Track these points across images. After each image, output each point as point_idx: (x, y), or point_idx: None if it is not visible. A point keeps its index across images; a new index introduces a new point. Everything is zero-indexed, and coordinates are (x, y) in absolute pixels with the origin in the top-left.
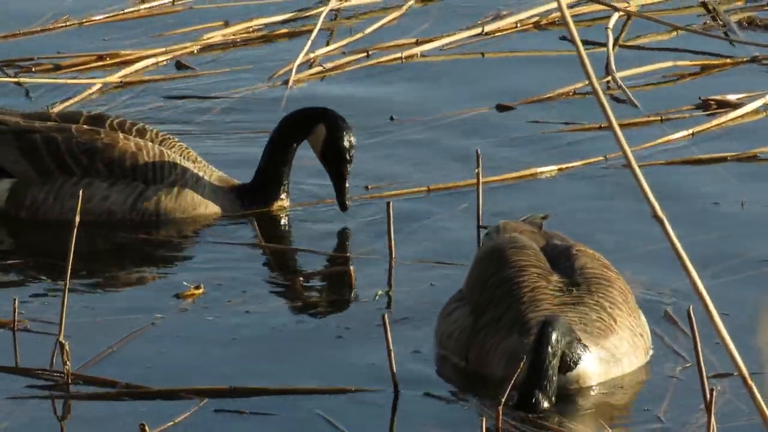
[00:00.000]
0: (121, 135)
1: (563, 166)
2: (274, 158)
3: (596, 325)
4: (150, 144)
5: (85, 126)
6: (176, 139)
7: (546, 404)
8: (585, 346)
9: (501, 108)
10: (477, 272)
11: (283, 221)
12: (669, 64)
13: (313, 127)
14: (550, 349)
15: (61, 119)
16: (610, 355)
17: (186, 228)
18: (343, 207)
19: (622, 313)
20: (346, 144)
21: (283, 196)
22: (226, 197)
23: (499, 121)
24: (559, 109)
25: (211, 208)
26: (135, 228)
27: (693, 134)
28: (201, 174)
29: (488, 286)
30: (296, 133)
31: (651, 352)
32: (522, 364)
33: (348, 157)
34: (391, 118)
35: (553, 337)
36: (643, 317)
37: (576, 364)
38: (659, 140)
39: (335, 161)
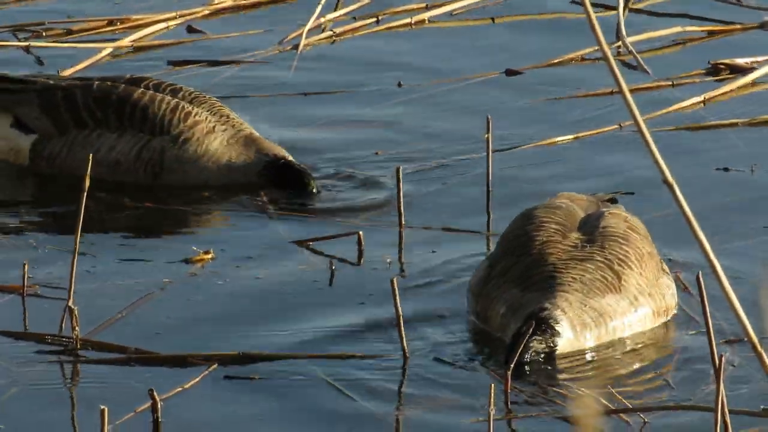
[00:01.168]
0: (139, 89)
1: (580, 134)
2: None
3: (596, 284)
4: (168, 98)
5: (108, 82)
6: (212, 98)
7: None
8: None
9: (510, 73)
10: (505, 230)
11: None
12: (678, 29)
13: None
14: (525, 346)
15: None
16: (597, 314)
17: (196, 193)
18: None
19: (631, 272)
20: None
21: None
22: (239, 157)
23: (509, 86)
24: (570, 75)
25: (214, 163)
26: (146, 192)
27: (705, 100)
28: (220, 129)
29: (507, 241)
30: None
31: (669, 314)
32: (531, 329)
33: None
34: (399, 84)
35: (532, 338)
36: (666, 280)
37: (552, 348)
38: (673, 107)
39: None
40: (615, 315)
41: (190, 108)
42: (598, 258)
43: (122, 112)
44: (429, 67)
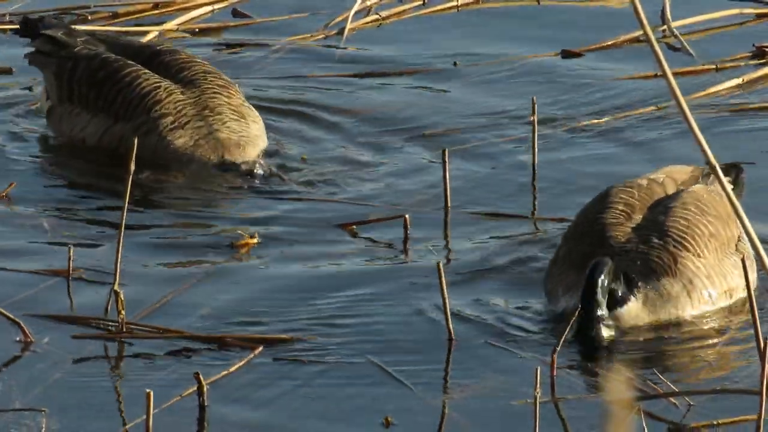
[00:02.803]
0: (129, 68)
1: (618, 115)
2: None
3: (650, 265)
4: (152, 80)
5: (114, 56)
6: (219, 83)
7: (605, 333)
8: (634, 283)
9: (566, 54)
10: (582, 208)
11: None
12: (726, 13)
13: None
14: (597, 287)
15: (137, 51)
16: (658, 294)
17: (237, 178)
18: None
19: (688, 254)
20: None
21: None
22: (203, 156)
23: (560, 68)
24: (621, 56)
25: (176, 163)
26: (189, 177)
27: (743, 82)
28: (192, 126)
29: (577, 221)
30: None
31: (735, 296)
32: (572, 320)
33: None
34: (455, 64)
35: (599, 277)
36: (732, 260)
37: (623, 299)
38: (710, 90)
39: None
40: (670, 298)
41: (164, 95)
42: (655, 241)
43: (101, 92)
44: (481, 49)
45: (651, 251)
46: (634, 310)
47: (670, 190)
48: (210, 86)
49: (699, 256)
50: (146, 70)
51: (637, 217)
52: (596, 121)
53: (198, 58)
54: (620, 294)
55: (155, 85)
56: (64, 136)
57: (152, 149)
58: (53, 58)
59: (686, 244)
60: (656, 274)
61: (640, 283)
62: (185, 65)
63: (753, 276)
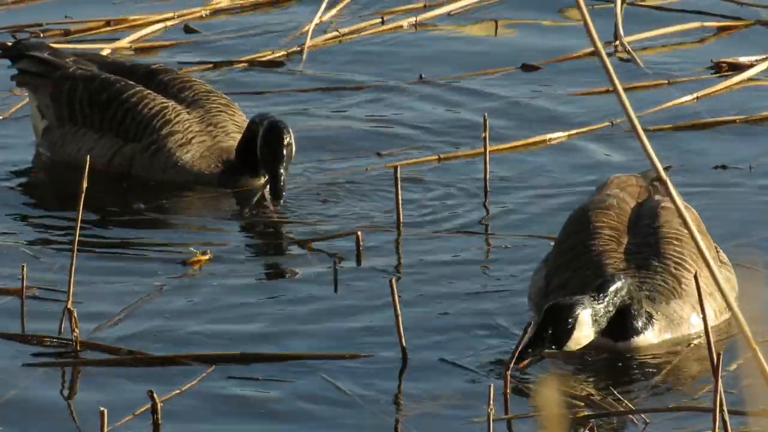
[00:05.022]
0: (136, 87)
1: (572, 132)
2: (248, 149)
3: (658, 290)
4: (158, 100)
5: (112, 77)
6: (221, 99)
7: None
8: (649, 313)
9: (526, 68)
10: (561, 233)
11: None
12: (687, 26)
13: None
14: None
15: (130, 70)
16: (669, 320)
17: (193, 196)
18: (277, 198)
19: (690, 274)
20: (280, 146)
21: (256, 178)
22: (208, 167)
23: (516, 83)
24: (578, 73)
25: (183, 176)
26: (145, 194)
27: (698, 98)
28: (198, 139)
29: (562, 250)
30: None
31: (727, 313)
32: (530, 327)
33: (283, 156)
34: (420, 77)
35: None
36: (724, 274)
37: (641, 330)
38: (665, 104)
39: (270, 162)
40: (682, 321)
41: (173, 115)
42: (656, 263)
43: (106, 113)
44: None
45: (655, 276)
46: (651, 339)
47: (632, 205)
48: (214, 105)
49: (700, 275)
50: (149, 91)
51: (627, 241)
52: (550, 137)
53: (194, 78)
54: (639, 325)
55: (162, 105)
56: (65, 156)
57: (161, 168)
58: (47, 79)
59: (685, 264)
60: (665, 297)
61: (655, 312)
62: (185, 85)
63: (734, 293)
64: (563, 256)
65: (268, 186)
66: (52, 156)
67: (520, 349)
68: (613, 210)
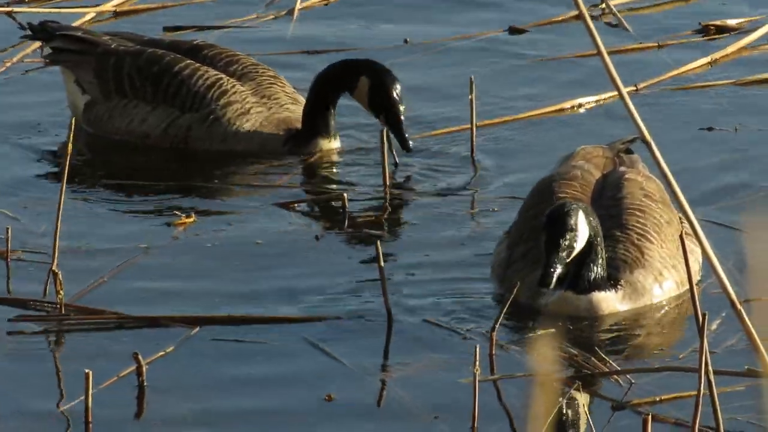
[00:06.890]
0: (185, 61)
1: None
2: (316, 108)
3: (621, 259)
4: (211, 73)
5: (160, 52)
6: (268, 72)
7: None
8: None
9: (513, 31)
10: (524, 203)
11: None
12: None
13: (355, 81)
14: (564, 237)
15: (170, 46)
16: (633, 288)
17: (189, 160)
18: (407, 148)
19: (652, 245)
20: (395, 92)
21: (327, 140)
22: (268, 137)
23: (505, 46)
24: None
25: (244, 145)
26: (133, 156)
27: (711, 62)
28: (256, 110)
29: (526, 219)
30: (338, 87)
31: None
32: (516, 289)
33: (399, 103)
34: (405, 41)
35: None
36: (688, 245)
37: (602, 287)
38: (677, 70)
39: (388, 110)
40: (644, 291)
41: (229, 86)
42: (618, 234)
43: (159, 85)
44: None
45: (617, 245)
46: (612, 303)
47: (597, 176)
48: (264, 78)
49: (662, 246)
50: (199, 63)
51: None
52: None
53: (239, 52)
54: (599, 281)
55: (217, 77)
56: (112, 129)
57: (221, 137)
58: (89, 56)
59: (648, 236)
60: (628, 267)
61: (620, 279)
62: (232, 59)
63: (698, 266)
64: (526, 224)
65: (383, 141)
66: (96, 130)
67: (546, 265)
68: (577, 181)
